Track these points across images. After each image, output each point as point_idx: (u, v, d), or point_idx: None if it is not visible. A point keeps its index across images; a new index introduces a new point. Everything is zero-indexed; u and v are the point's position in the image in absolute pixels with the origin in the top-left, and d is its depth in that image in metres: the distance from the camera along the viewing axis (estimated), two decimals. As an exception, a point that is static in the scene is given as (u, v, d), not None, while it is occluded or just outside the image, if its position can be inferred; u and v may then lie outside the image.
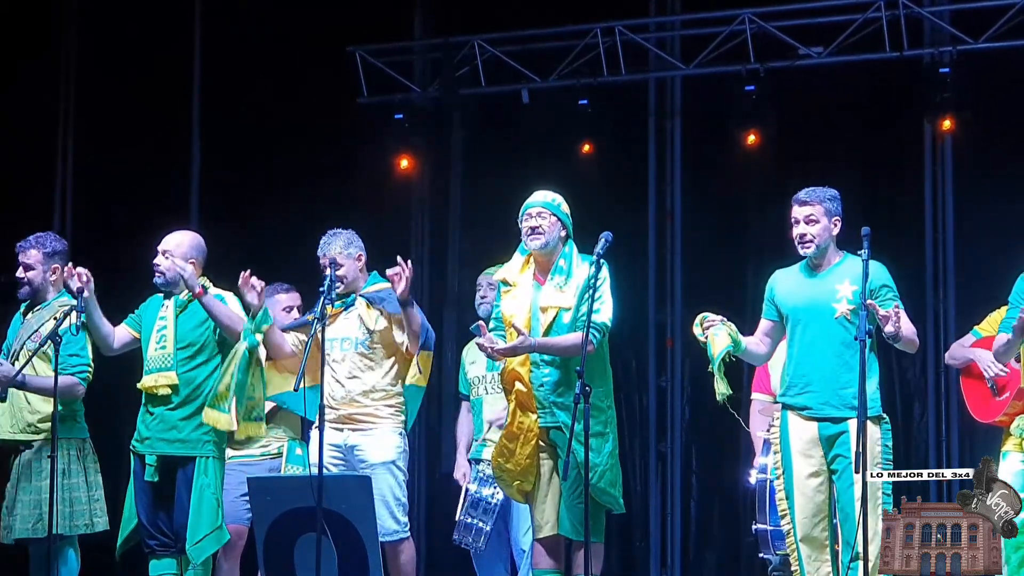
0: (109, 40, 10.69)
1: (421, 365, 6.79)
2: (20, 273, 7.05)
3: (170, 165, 10.76)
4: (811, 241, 6.12)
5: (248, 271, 6.69)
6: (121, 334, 6.96)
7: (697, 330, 6.23)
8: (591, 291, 6.04)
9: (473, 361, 7.56)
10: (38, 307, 7.04)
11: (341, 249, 6.82)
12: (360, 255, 6.89)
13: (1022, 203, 8.91)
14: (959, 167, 9.61)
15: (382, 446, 6.77)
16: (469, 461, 7.56)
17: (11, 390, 6.84)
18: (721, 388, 6.16)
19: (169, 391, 6.74)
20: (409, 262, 6.52)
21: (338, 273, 6.72)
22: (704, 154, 10.13)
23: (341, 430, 6.77)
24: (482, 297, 7.49)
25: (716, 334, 6.16)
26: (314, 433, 6.78)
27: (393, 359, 6.85)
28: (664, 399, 10.09)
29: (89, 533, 6.95)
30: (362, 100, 10.40)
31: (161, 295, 6.94)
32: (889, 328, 5.85)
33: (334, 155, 10.27)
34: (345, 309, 6.83)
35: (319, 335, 6.45)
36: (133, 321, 6.99)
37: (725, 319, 6.19)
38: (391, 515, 6.72)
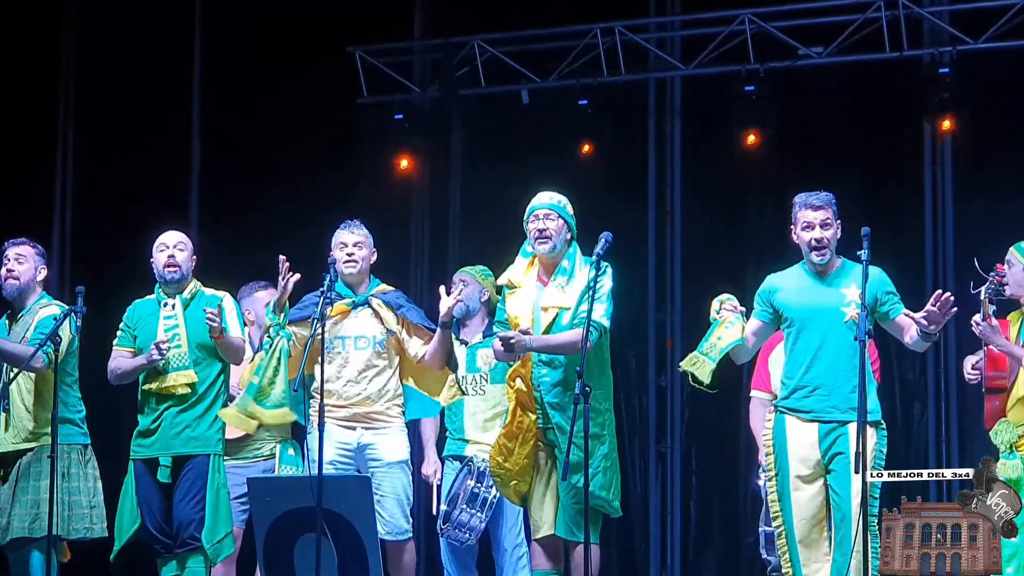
0: (109, 40, 10.67)
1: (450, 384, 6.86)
2: (11, 265, 6.99)
3: (170, 165, 10.75)
4: (826, 247, 6.08)
5: (286, 261, 6.64)
6: (122, 362, 6.87)
7: (715, 305, 6.23)
8: (591, 292, 6.04)
9: None
10: (20, 314, 7.01)
11: (365, 237, 6.85)
12: (373, 254, 6.90)
13: (1022, 203, 8.90)
14: (959, 167, 9.60)
15: (396, 445, 6.77)
16: (449, 458, 7.51)
17: (12, 400, 6.83)
18: (704, 374, 6.11)
19: (188, 390, 6.74)
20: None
21: (353, 256, 6.74)
22: (704, 154, 10.12)
23: (354, 428, 6.74)
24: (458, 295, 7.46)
25: (731, 325, 6.16)
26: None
27: (397, 360, 6.84)
28: (664, 399, 10.07)
29: (87, 539, 6.92)
30: (362, 100, 10.40)
31: (149, 299, 6.93)
32: (933, 327, 5.85)
33: (334, 155, 10.26)
34: (353, 308, 6.80)
35: (319, 336, 6.41)
36: (126, 338, 6.92)
37: (744, 313, 6.19)
38: (403, 514, 6.73)
